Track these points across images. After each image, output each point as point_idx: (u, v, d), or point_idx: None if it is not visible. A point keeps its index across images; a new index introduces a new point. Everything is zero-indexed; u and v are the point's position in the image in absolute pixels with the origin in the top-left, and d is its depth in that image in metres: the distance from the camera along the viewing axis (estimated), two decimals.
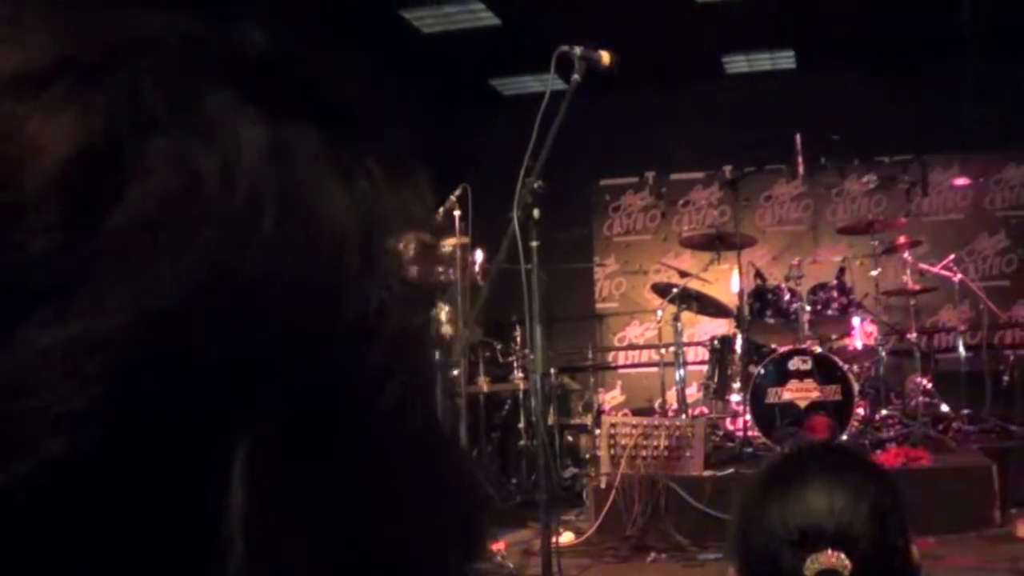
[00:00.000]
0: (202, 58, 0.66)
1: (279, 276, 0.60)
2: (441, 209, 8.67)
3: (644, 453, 8.81)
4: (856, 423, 9.51)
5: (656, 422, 9.12)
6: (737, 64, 15.14)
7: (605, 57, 6.18)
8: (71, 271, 0.57)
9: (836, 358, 9.58)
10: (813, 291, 10.62)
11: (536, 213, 5.83)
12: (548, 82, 6.10)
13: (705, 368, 11.15)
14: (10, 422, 0.55)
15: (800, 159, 11.17)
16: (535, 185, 5.79)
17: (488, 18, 12.91)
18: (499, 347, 11.35)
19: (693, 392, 12.01)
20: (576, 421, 12.18)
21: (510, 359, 11.15)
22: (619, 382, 15.55)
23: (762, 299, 10.60)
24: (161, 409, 0.57)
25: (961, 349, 11.66)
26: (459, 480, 0.73)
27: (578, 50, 6.09)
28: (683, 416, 10.24)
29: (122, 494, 0.57)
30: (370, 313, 0.64)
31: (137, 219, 0.57)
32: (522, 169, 5.81)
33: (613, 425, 9.07)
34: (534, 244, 5.89)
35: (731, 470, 8.85)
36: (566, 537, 8.34)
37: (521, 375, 10.65)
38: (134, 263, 0.57)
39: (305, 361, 0.61)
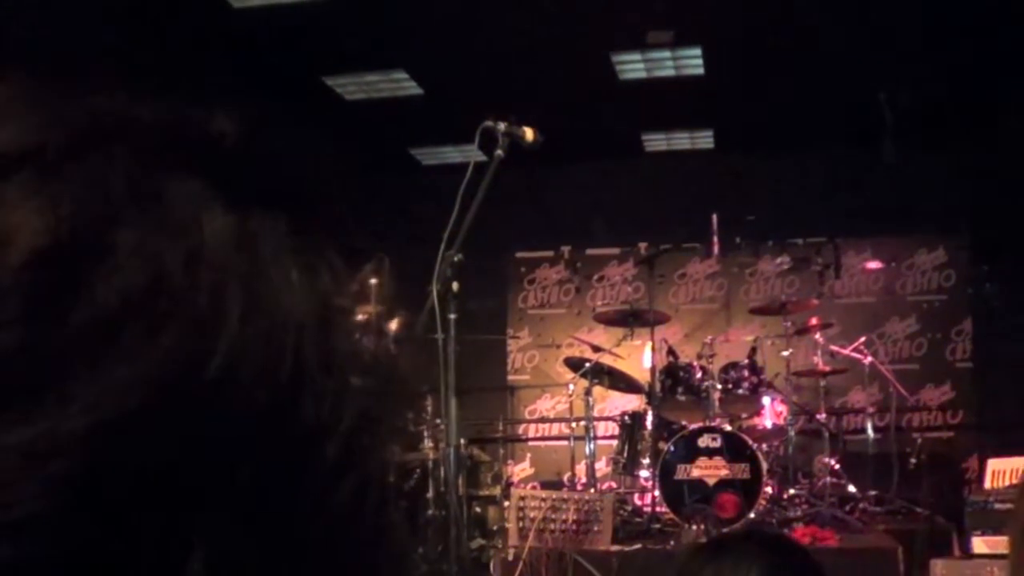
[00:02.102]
0: (171, 147, 0.65)
1: (240, 374, 0.59)
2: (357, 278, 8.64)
3: (552, 526, 8.77)
4: (764, 502, 9.54)
5: (565, 495, 9.10)
6: (656, 142, 15.24)
7: (529, 133, 6.21)
8: (35, 370, 0.55)
9: (745, 436, 9.61)
10: (725, 370, 10.69)
11: (455, 286, 5.84)
12: (469, 154, 6.12)
13: (615, 443, 11.13)
14: None
15: (716, 238, 11.26)
16: (455, 258, 5.80)
17: (411, 87, 12.94)
18: (410, 416, 11.28)
19: (602, 467, 12.01)
20: (484, 492, 12.13)
21: (420, 428, 11.10)
22: (529, 454, 15.51)
23: (674, 376, 10.65)
24: (119, 513, 0.55)
25: (869, 431, 11.78)
26: (403, 568, 0.72)
27: (502, 125, 6.10)
28: (592, 490, 10.23)
29: None
30: (327, 408, 0.63)
31: (101, 317, 0.56)
32: (442, 242, 5.82)
33: (522, 497, 9.04)
34: (452, 316, 5.89)
35: (638, 545, 8.84)
36: None
37: (431, 444, 10.60)
38: (98, 363, 0.56)
39: (263, 459, 0.60)
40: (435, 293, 5.71)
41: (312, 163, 0.74)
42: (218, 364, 0.58)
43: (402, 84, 12.90)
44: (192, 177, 0.64)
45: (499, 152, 6.09)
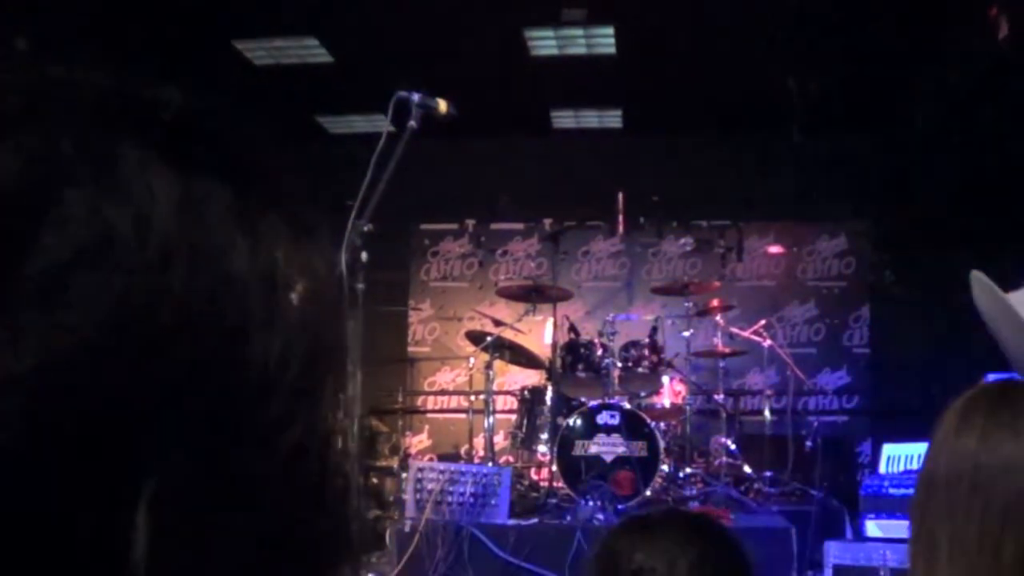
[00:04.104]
0: (120, 113, 0.67)
1: (186, 325, 0.62)
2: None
3: (450, 499, 8.79)
4: (660, 479, 9.60)
5: (463, 468, 9.11)
6: (565, 119, 15.28)
7: (442, 105, 6.21)
8: None
9: (644, 415, 9.67)
10: (625, 348, 10.73)
11: (364, 256, 5.82)
12: (378, 124, 6.11)
13: (514, 417, 11.15)
14: None
15: (621, 217, 11.30)
16: (364, 228, 5.79)
17: (321, 55, 12.86)
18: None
19: (500, 440, 12.04)
20: (382, 463, 12.13)
21: None
22: (427, 427, 15.51)
23: (574, 353, 10.68)
24: (67, 451, 0.58)
25: (766, 412, 11.90)
26: (345, 518, 0.75)
27: (416, 96, 6.09)
28: (490, 464, 10.26)
29: (26, 535, 0.57)
30: (272, 363, 0.66)
31: (52, 267, 0.59)
32: (349, 211, 5.80)
33: (420, 470, 9.04)
34: (360, 287, 5.87)
35: (535, 520, 8.88)
36: None
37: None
38: (47, 309, 0.58)
39: (208, 407, 0.63)
40: (343, 263, 5.69)
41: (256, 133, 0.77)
42: (162, 313, 0.61)
43: (312, 51, 12.82)
44: (142, 143, 0.66)
45: (412, 123, 6.08)
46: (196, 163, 0.68)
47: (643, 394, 10.76)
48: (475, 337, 11.35)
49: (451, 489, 8.83)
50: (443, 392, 15.55)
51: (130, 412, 0.60)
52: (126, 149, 0.65)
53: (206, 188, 0.67)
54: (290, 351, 0.67)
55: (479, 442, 11.47)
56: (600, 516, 8.69)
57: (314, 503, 0.71)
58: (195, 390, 0.62)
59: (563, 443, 9.59)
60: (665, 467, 9.76)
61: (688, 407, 10.84)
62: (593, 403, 9.80)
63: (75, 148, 0.63)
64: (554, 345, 10.78)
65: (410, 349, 15.81)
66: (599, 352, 10.56)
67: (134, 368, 0.60)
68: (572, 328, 11.24)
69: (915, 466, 8.18)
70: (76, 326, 0.58)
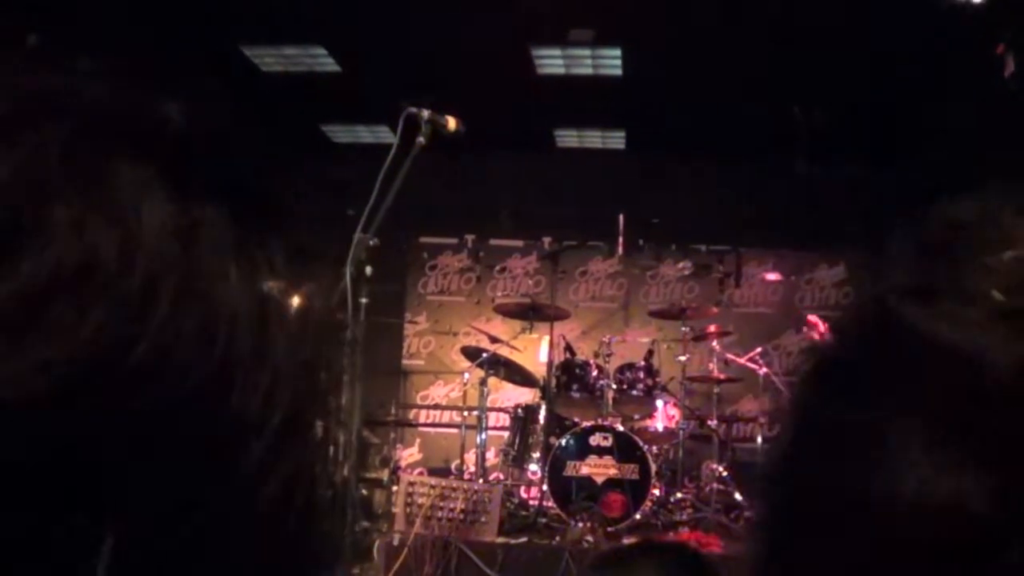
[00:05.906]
0: (116, 129, 0.64)
1: (166, 363, 0.58)
2: None
3: (440, 514, 8.76)
4: (650, 503, 9.57)
5: (455, 484, 9.09)
6: (568, 139, 15.28)
7: (451, 123, 6.21)
8: None
9: (636, 437, 9.65)
10: (620, 370, 10.71)
11: (368, 270, 5.81)
12: (382, 135, 6.12)
13: (506, 435, 11.12)
14: None
15: (621, 238, 11.30)
16: (370, 242, 5.77)
17: (329, 64, 12.86)
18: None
19: (491, 457, 12.01)
20: (372, 475, 12.08)
21: None
22: (418, 440, 15.46)
23: (569, 372, 10.65)
24: (21, 498, 0.54)
25: (759, 440, 11.85)
26: (329, 565, 0.72)
27: (426, 113, 6.09)
28: (481, 480, 10.22)
29: None
30: (257, 408, 0.62)
31: (26, 293, 0.55)
32: (359, 225, 5.79)
33: (412, 483, 9.02)
34: (363, 300, 5.86)
35: (524, 539, 8.85)
36: None
37: (321, 424, 10.51)
38: (17, 340, 0.55)
39: (183, 452, 0.59)
40: (348, 276, 5.67)
41: (262, 153, 0.73)
42: (142, 349, 0.57)
43: (320, 60, 12.82)
44: (137, 161, 0.63)
45: (420, 139, 6.08)
46: (195, 185, 0.64)
47: (636, 417, 10.74)
48: (470, 353, 11.31)
49: (441, 504, 8.81)
50: (436, 406, 15.50)
51: (96, 457, 0.56)
52: (119, 166, 0.62)
53: (204, 213, 0.64)
54: (278, 393, 0.64)
55: (470, 458, 11.42)
56: (589, 538, 8.66)
57: (295, 553, 0.67)
58: (169, 434, 0.58)
59: (555, 463, 9.57)
60: (656, 491, 9.73)
61: (681, 432, 10.79)
62: (586, 424, 9.79)
63: (63, 162, 0.60)
64: (549, 364, 10.74)
65: (404, 362, 15.77)
66: (594, 373, 10.54)
67: (104, 409, 0.56)
68: (568, 348, 11.22)
69: None
70: (44, 362, 0.54)
